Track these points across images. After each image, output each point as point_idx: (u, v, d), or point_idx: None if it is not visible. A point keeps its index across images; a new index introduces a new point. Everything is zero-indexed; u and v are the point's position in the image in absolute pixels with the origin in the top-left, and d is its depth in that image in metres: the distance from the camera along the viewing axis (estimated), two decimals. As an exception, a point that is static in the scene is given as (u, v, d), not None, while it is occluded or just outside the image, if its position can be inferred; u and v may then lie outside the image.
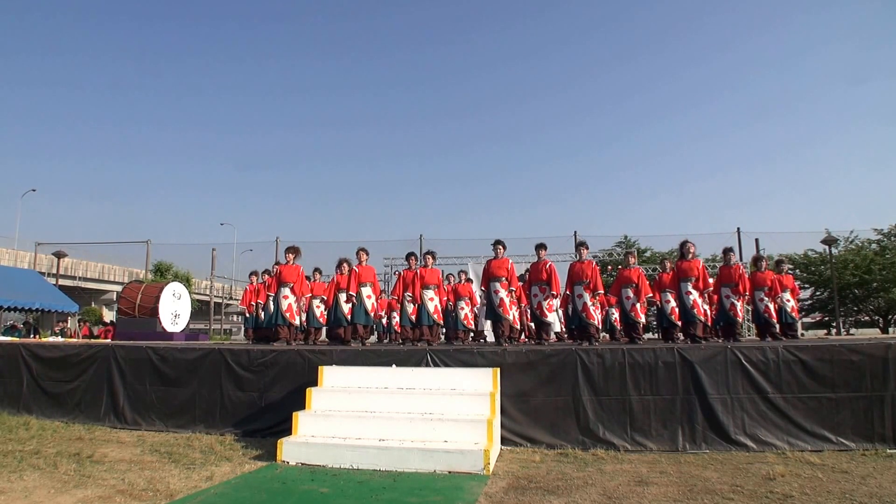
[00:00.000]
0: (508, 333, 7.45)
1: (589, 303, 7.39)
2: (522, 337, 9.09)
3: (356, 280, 7.66)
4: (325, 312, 8.47)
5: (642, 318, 8.50)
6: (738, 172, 79.46)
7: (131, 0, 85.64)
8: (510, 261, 7.59)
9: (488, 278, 7.56)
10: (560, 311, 9.68)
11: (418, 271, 7.92)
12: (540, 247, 7.79)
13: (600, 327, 8.57)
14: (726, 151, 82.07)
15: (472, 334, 10.37)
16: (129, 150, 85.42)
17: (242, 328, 9.68)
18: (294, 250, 8.53)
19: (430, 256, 8.21)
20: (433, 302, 7.84)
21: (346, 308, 7.72)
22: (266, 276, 9.37)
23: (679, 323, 7.76)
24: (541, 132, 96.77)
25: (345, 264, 8.01)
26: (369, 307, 7.70)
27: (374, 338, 8.44)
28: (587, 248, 7.89)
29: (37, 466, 4.62)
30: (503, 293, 7.40)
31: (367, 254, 7.98)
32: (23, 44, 76.74)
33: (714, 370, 5.43)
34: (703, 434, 5.30)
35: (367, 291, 7.70)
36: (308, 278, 8.93)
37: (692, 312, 7.40)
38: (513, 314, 7.57)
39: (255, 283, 9.55)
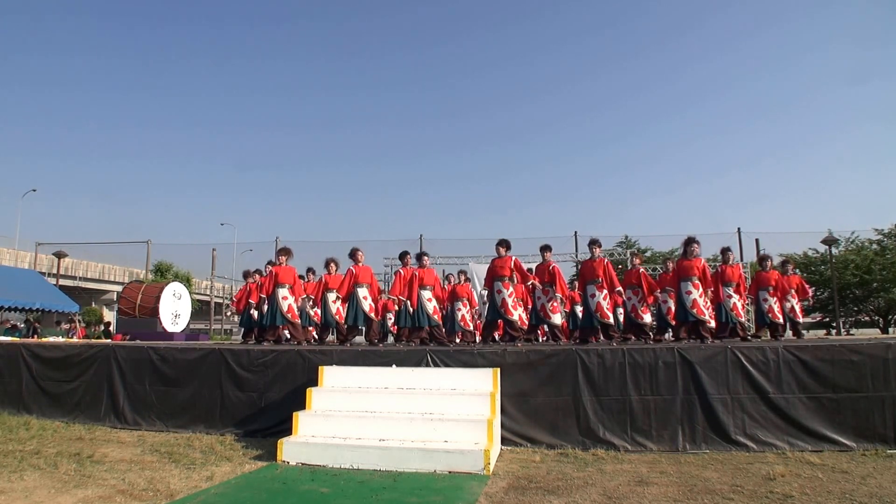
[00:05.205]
0: (512, 333, 7.38)
1: (603, 302, 7.27)
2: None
3: (351, 280, 7.65)
4: (320, 312, 8.46)
5: (645, 319, 8.48)
6: (738, 172, 79.42)
7: (132, 0, 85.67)
8: (513, 258, 7.47)
9: (492, 278, 7.53)
10: (566, 311, 9.67)
11: (416, 272, 7.88)
12: (545, 248, 7.73)
13: (621, 325, 8.42)
14: (726, 151, 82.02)
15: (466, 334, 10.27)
16: (129, 150, 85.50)
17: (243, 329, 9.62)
18: (286, 252, 8.61)
19: (426, 257, 8.20)
20: (431, 303, 7.80)
21: (333, 308, 7.71)
22: (258, 276, 9.37)
23: (674, 322, 7.73)
24: (541, 132, 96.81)
25: (332, 264, 8.02)
26: (367, 308, 7.66)
27: (359, 338, 8.37)
28: (599, 247, 7.71)
29: (37, 466, 4.62)
30: (505, 293, 7.34)
31: (363, 254, 7.97)
32: (23, 44, 76.82)
33: (714, 370, 5.43)
34: (703, 434, 5.29)
35: (363, 292, 7.66)
36: (301, 277, 9.01)
37: (692, 312, 7.35)
38: (518, 314, 7.44)
39: (254, 282, 9.53)
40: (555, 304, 7.48)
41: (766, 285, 8.23)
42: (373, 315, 7.79)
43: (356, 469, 4.52)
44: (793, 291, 8.41)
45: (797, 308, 8.42)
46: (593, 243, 7.73)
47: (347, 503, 3.74)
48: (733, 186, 79.75)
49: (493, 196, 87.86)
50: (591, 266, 7.50)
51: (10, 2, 67.97)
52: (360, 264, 7.81)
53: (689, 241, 7.59)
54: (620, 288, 7.66)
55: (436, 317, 7.81)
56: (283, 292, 8.19)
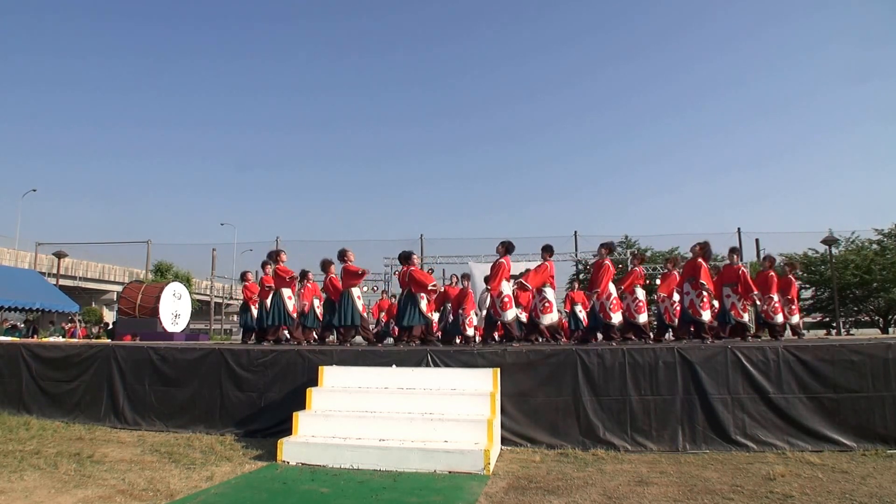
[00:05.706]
0: (504, 335, 7.39)
1: (606, 303, 7.37)
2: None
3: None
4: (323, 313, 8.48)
5: (640, 319, 8.46)
6: (738, 172, 79.34)
7: (132, 0, 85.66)
8: (499, 260, 7.45)
9: (488, 279, 7.61)
10: (566, 312, 9.66)
11: (412, 271, 7.84)
12: (544, 249, 7.75)
13: (621, 325, 8.42)
14: (726, 151, 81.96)
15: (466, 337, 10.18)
16: (129, 150, 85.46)
17: (242, 330, 9.62)
18: (284, 253, 8.78)
19: (415, 256, 8.19)
20: (423, 301, 7.80)
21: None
22: (251, 276, 9.47)
23: (675, 323, 7.74)
24: (541, 132, 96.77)
25: (333, 266, 8.04)
26: (360, 307, 7.68)
27: (359, 338, 8.39)
28: (607, 249, 7.71)
29: (37, 466, 4.63)
30: (495, 294, 7.36)
31: (353, 254, 7.96)
32: (23, 44, 76.83)
33: (714, 370, 5.43)
34: (703, 434, 5.29)
35: (356, 292, 7.67)
36: (293, 279, 9.04)
37: (688, 313, 7.39)
38: (507, 316, 7.39)
39: (252, 281, 9.58)
40: (546, 304, 7.48)
41: (762, 286, 8.21)
42: (365, 314, 7.85)
43: (356, 469, 4.52)
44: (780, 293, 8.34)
45: (783, 308, 8.35)
46: (602, 246, 7.74)
47: (347, 503, 3.74)
48: (734, 186, 79.76)
49: (493, 196, 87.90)
50: (596, 267, 7.58)
51: (10, 2, 68.03)
52: (352, 264, 7.81)
53: (698, 244, 7.62)
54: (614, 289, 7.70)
55: (429, 314, 7.86)
56: (287, 292, 8.31)
